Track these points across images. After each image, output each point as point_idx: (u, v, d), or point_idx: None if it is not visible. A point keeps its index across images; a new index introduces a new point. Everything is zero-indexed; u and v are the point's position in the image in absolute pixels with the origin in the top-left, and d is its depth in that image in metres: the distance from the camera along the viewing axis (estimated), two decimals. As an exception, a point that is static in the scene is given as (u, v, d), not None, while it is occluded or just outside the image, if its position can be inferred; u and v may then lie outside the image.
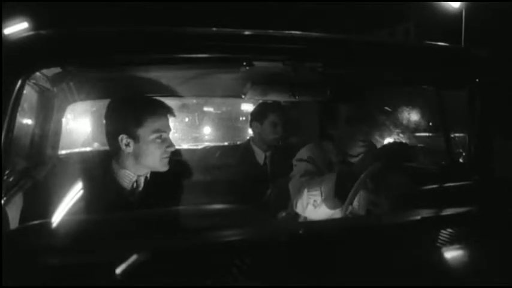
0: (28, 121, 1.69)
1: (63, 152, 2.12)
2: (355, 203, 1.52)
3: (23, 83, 0.93)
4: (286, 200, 1.93)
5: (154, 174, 1.48)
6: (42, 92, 1.57)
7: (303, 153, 1.76)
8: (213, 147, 2.70)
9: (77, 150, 2.38)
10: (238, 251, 0.80)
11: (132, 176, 1.43)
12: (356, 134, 1.67)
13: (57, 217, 1.18)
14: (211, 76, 1.69)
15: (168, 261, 0.74)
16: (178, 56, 1.12)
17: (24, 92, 0.96)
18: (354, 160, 1.67)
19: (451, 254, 0.86)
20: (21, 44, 0.97)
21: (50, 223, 0.96)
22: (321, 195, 1.45)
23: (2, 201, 1.09)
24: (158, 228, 0.88)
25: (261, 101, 2.47)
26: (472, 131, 1.46)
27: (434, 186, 1.23)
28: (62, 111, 1.83)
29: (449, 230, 0.92)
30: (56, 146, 1.92)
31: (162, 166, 1.43)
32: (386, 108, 2.83)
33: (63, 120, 1.88)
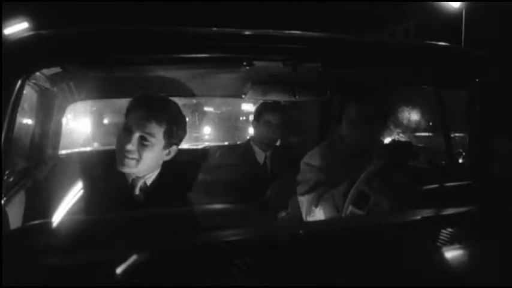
0: (28, 121, 1.69)
1: (63, 152, 2.12)
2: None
3: (23, 83, 0.93)
4: (286, 200, 1.93)
5: (157, 176, 1.46)
6: (42, 92, 1.57)
7: (313, 158, 1.68)
8: (213, 147, 2.70)
9: (77, 150, 2.38)
10: (238, 251, 0.80)
11: (129, 176, 1.42)
12: (365, 134, 1.60)
13: (57, 217, 1.18)
14: (211, 76, 1.70)
15: (168, 261, 0.74)
16: (178, 56, 1.12)
17: (24, 92, 0.96)
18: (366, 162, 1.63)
19: (451, 254, 0.86)
20: (21, 44, 0.97)
21: (50, 223, 0.96)
22: (336, 209, 1.43)
23: (2, 201, 1.09)
24: (158, 228, 0.88)
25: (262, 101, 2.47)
26: (472, 131, 1.46)
27: (434, 186, 1.23)
28: (62, 111, 1.83)
29: (449, 230, 0.92)
30: (56, 146, 1.92)
31: (117, 164, 1.37)
32: (386, 108, 2.82)
33: (63, 120, 1.89)
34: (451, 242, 0.88)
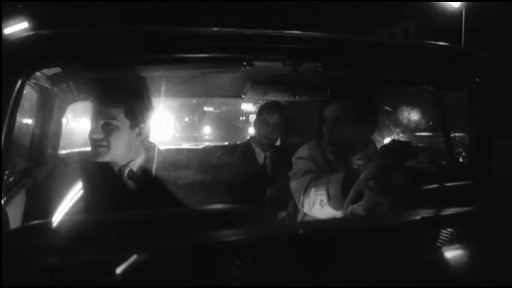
0: (28, 121, 1.69)
1: (63, 152, 2.12)
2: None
3: (23, 83, 0.93)
4: (286, 200, 1.93)
5: (143, 162, 1.48)
6: (42, 92, 1.57)
7: (302, 151, 1.74)
8: (213, 147, 2.70)
9: (77, 150, 2.38)
10: (238, 251, 0.80)
11: (115, 167, 1.46)
12: (347, 134, 1.63)
13: (57, 217, 1.18)
14: (211, 76, 1.70)
15: (168, 261, 0.74)
16: (178, 56, 1.12)
17: (24, 92, 0.96)
18: (355, 161, 1.65)
19: (451, 254, 0.86)
20: (21, 44, 0.97)
21: (50, 223, 0.96)
22: (328, 196, 1.44)
23: (2, 201, 1.09)
24: (158, 228, 0.88)
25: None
26: (472, 131, 1.46)
27: (434, 186, 1.23)
28: (62, 111, 1.83)
29: (449, 230, 0.92)
30: (56, 146, 1.92)
31: (91, 155, 1.44)
32: (387, 108, 2.82)
33: (63, 120, 1.88)
34: (451, 242, 0.88)
